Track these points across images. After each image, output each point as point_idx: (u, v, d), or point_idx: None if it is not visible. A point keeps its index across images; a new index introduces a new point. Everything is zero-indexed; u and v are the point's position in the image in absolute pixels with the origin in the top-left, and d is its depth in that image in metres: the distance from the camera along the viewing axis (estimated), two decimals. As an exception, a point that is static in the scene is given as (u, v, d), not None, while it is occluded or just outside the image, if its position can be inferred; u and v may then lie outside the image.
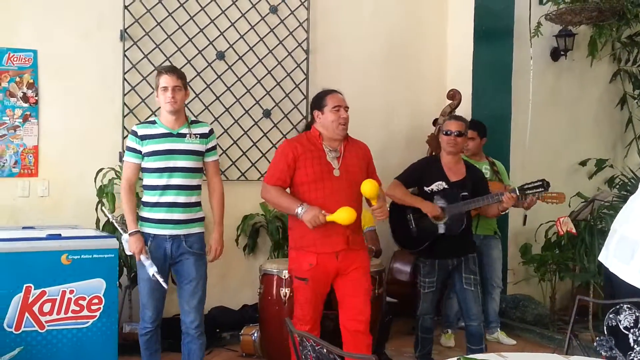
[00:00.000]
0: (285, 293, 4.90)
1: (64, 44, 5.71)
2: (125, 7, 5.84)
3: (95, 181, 5.54)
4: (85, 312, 4.44)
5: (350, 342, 4.25)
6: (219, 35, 6.22)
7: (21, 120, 5.57)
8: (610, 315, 3.12)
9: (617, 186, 7.55)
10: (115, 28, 5.84)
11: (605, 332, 3.14)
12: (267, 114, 6.43)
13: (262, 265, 5.14)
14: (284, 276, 4.93)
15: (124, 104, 5.87)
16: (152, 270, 4.16)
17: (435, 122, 6.65)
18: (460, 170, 5.00)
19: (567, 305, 6.92)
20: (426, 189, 4.95)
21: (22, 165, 5.57)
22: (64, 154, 5.70)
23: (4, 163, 5.51)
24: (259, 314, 5.20)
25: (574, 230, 5.43)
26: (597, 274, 6.30)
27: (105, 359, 4.50)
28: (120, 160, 5.78)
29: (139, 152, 4.26)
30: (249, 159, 6.34)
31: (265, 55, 6.41)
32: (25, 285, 4.30)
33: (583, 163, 7.56)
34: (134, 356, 5.16)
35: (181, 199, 4.26)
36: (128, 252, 4.30)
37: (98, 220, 5.56)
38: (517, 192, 4.81)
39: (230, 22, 6.25)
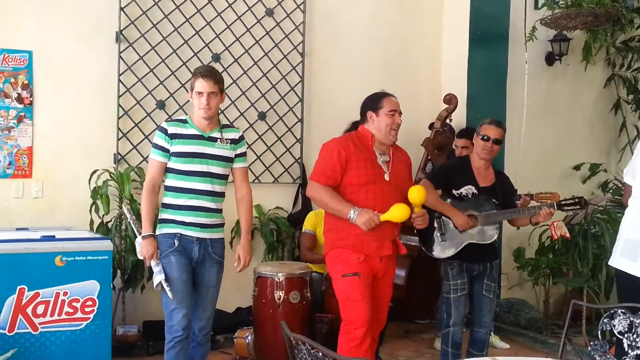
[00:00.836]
0: (280, 296, 4.91)
1: (60, 45, 5.70)
2: (121, 9, 5.84)
3: (89, 183, 5.53)
4: (78, 314, 4.43)
5: None
6: (215, 37, 6.21)
7: (15, 121, 5.55)
8: (605, 320, 3.13)
9: (611, 191, 7.56)
10: (110, 30, 5.83)
11: (599, 337, 3.14)
12: (262, 116, 6.43)
13: (256, 268, 5.13)
14: (278, 279, 4.93)
15: (119, 105, 5.86)
16: (159, 277, 3.94)
17: (431, 126, 6.66)
18: (490, 176, 4.76)
19: (561, 310, 6.92)
20: (455, 192, 4.68)
21: (16, 166, 5.56)
22: (58, 155, 5.69)
23: (-2, 164, 5.50)
24: (252, 316, 5.19)
25: (567, 235, 5.40)
26: (590, 279, 6.31)
27: (98, 361, 4.50)
28: (115, 161, 5.78)
29: (167, 150, 4.02)
30: (243, 161, 6.33)
31: (260, 58, 6.41)
32: (18, 287, 4.29)
33: (577, 167, 7.57)
34: (127, 358, 5.17)
35: (208, 204, 4.06)
36: (140, 256, 4.09)
37: (92, 222, 5.54)
38: (556, 207, 4.67)
39: (226, 24, 6.25)
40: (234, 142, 4.17)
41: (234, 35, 6.29)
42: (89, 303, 4.45)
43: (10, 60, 5.53)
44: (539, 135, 7.27)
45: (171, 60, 6.02)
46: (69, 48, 5.73)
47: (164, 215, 4.09)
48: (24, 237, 4.61)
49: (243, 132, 6.19)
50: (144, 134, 5.93)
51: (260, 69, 6.41)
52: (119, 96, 5.86)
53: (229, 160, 4.15)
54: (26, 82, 5.58)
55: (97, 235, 5.14)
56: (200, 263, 4.09)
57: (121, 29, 5.86)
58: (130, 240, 5.48)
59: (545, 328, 6.50)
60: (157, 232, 4.08)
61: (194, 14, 6.12)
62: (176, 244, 4.01)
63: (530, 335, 6.33)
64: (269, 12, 6.43)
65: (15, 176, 5.56)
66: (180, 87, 6.06)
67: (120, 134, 5.85)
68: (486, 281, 4.73)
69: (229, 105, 6.27)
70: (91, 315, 4.46)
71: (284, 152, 6.53)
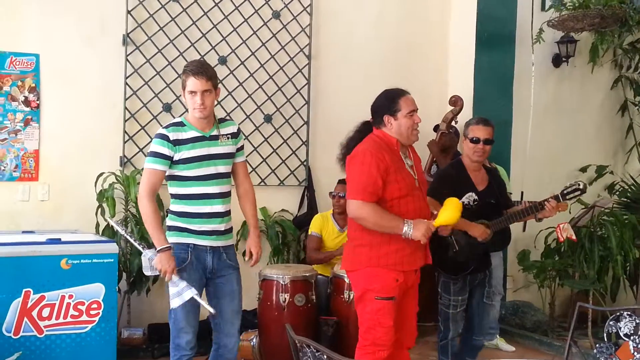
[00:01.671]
0: (285, 299, 4.91)
1: (66, 48, 5.71)
2: (128, 12, 5.85)
3: (95, 186, 5.54)
4: (84, 317, 4.44)
5: (400, 357, 4.00)
6: (222, 40, 6.22)
7: (22, 124, 5.57)
8: (611, 322, 3.12)
9: (617, 193, 7.55)
10: (117, 33, 5.85)
11: (605, 339, 3.14)
12: (268, 119, 6.43)
13: (262, 270, 5.14)
14: (284, 282, 4.93)
15: (126, 108, 5.87)
16: (190, 292, 3.70)
17: (436, 128, 6.64)
18: (484, 176, 4.66)
19: (567, 312, 6.90)
20: None
21: (23, 169, 5.57)
22: (64, 158, 5.70)
23: (5, 167, 5.51)
24: (258, 319, 5.20)
25: (574, 237, 5.40)
26: (596, 281, 6.30)
27: (103, 365, 4.50)
28: (121, 164, 5.79)
29: (169, 158, 3.79)
30: (249, 163, 6.29)
31: (267, 60, 6.41)
32: (24, 290, 4.30)
33: (583, 169, 7.55)
34: (133, 361, 5.17)
35: (220, 207, 3.90)
36: (149, 272, 3.79)
37: (98, 225, 5.55)
38: (561, 198, 4.54)
39: (233, 27, 6.26)
40: (234, 136, 3.99)
41: (241, 37, 6.30)
42: (95, 306, 4.46)
43: (17, 63, 5.55)
44: (545, 137, 7.25)
45: (178, 63, 6.03)
46: (76, 51, 5.74)
47: (174, 222, 3.90)
48: (30, 240, 4.62)
49: (249, 134, 6.29)
50: (150, 137, 5.92)
51: (266, 71, 6.42)
52: (126, 99, 5.87)
53: (231, 156, 3.99)
54: (33, 85, 5.60)
55: (103, 238, 5.15)
56: (216, 273, 3.91)
57: (128, 31, 5.87)
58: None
59: (551, 330, 6.48)
60: (170, 240, 3.84)
61: (200, 17, 6.13)
62: (189, 257, 3.82)
63: (536, 337, 6.32)
64: (276, 15, 6.43)
65: (22, 179, 5.58)
66: (186, 90, 6.07)
67: (127, 137, 5.86)
68: (487, 288, 4.69)
69: (235, 108, 6.28)
70: (96, 318, 4.47)
71: (290, 155, 6.53)
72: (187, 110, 4.00)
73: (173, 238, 3.87)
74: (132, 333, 5.53)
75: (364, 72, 6.81)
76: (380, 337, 3.78)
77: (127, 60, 5.88)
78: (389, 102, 3.95)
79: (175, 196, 3.91)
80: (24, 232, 5.13)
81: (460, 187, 4.50)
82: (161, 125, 5.83)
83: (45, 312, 4.34)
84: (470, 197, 4.51)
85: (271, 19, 6.42)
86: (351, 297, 4.86)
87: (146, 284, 5.65)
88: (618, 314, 3.12)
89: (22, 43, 5.59)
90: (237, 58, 6.30)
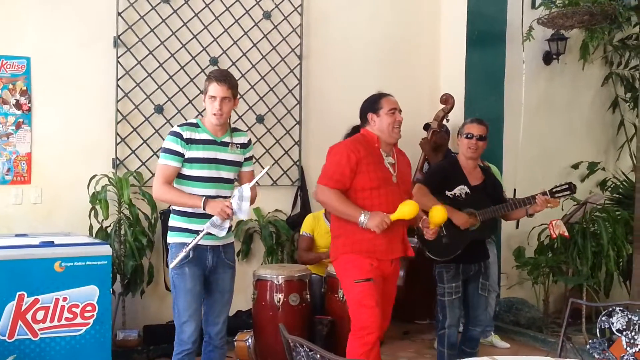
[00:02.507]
0: (279, 298, 4.92)
1: (57, 51, 5.70)
2: (119, 14, 5.85)
3: (88, 188, 5.54)
4: (78, 320, 4.44)
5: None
6: (212, 41, 6.22)
7: (14, 128, 5.56)
8: (603, 318, 3.14)
9: (609, 189, 7.57)
10: (108, 35, 5.84)
11: (598, 335, 3.15)
12: (260, 119, 6.43)
13: (256, 270, 5.15)
14: (278, 282, 4.94)
15: (117, 110, 5.87)
16: (228, 222, 3.87)
17: (427, 127, 6.66)
18: (478, 174, 4.84)
19: (561, 308, 6.93)
20: (448, 193, 4.70)
21: (15, 172, 5.56)
22: (57, 161, 5.69)
23: (-3, 170, 5.51)
24: (252, 319, 5.20)
25: (566, 233, 5.42)
26: (590, 277, 6.32)
27: (98, 367, 4.50)
28: (114, 166, 5.79)
29: (182, 155, 3.92)
30: (242, 164, 6.34)
31: (258, 61, 6.41)
32: (18, 293, 4.30)
33: (575, 166, 7.58)
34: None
35: None
36: (222, 231, 3.87)
37: (91, 227, 5.55)
38: (549, 194, 4.70)
39: (224, 27, 6.26)
40: (244, 146, 4.12)
41: (232, 38, 6.30)
42: (89, 308, 4.46)
43: (8, 66, 5.54)
44: (537, 135, 7.27)
45: (169, 65, 6.03)
46: (67, 54, 5.73)
47: (176, 223, 4.01)
48: (23, 243, 4.61)
49: (241, 135, 6.29)
50: (142, 139, 5.94)
51: (258, 72, 6.42)
52: (117, 101, 5.87)
53: (238, 164, 4.10)
54: (24, 88, 5.59)
55: (96, 241, 5.15)
56: (214, 270, 4.04)
57: (119, 34, 5.87)
58: (130, 245, 5.49)
59: (545, 327, 6.51)
60: (170, 240, 4.02)
61: (191, 18, 6.13)
62: (191, 254, 3.90)
63: (530, 334, 6.34)
64: (267, 15, 6.44)
65: (14, 182, 5.57)
66: (178, 92, 6.07)
67: (119, 139, 5.86)
68: (482, 280, 4.78)
69: (227, 109, 6.28)
70: (91, 321, 4.47)
71: (283, 155, 6.53)
72: (200, 113, 4.07)
73: (174, 238, 3.99)
74: (127, 335, 5.52)
75: (355, 71, 6.82)
76: (365, 319, 3.95)
77: (118, 62, 5.87)
78: (372, 102, 4.22)
79: None
80: (17, 235, 5.12)
81: (452, 180, 4.71)
82: (153, 127, 5.91)
83: (40, 315, 4.34)
84: (462, 189, 4.70)
85: (262, 19, 6.42)
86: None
87: (140, 286, 5.65)
88: (610, 309, 3.14)
89: (13, 46, 5.57)
90: (228, 59, 6.30)
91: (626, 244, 6.43)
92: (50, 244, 4.54)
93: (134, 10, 5.91)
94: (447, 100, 6.58)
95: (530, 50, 7.06)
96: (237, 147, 4.07)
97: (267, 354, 5.02)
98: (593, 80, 7.82)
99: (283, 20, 6.50)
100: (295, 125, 6.56)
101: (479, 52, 6.97)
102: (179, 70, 6.08)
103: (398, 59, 7.12)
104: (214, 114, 3.94)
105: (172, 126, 4.25)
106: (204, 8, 6.17)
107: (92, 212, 5.53)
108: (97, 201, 5.48)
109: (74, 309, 4.42)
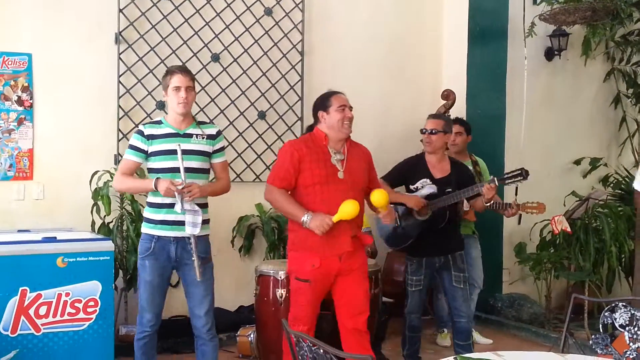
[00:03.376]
0: (282, 294, 4.90)
1: (59, 47, 5.71)
2: (120, 11, 5.84)
3: (90, 184, 5.55)
4: (81, 315, 4.44)
5: (351, 340, 4.25)
6: (214, 37, 6.22)
7: (16, 124, 5.57)
8: (606, 314, 3.14)
9: (611, 185, 7.57)
10: (110, 31, 5.84)
11: (601, 330, 3.15)
12: (262, 115, 6.43)
13: (258, 266, 5.14)
14: (280, 277, 4.93)
15: (119, 106, 5.87)
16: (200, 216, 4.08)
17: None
18: (445, 167, 5.02)
19: (563, 304, 6.92)
20: (411, 187, 5.00)
21: (17, 168, 5.57)
22: (59, 157, 5.69)
23: (-1, 166, 5.52)
24: (255, 315, 5.20)
25: (568, 229, 5.43)
26: (592, 273, 6.32)
27: (101, 362, 4.51)
28: (116, 162, 5.79)
29: (143, 151, 4.16)
30: (244, 160, 6.35)
31: (260, 57, 6.41)
32: (20, 289, 4.30)
33: (577, 162, 7.58)
34: (130, 358, 5.17)
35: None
36: (178, 209, 4.02)
37: (93, 223, 5.56)
38: (496, 181, 4.78)
39: (225, 24, 6.26)
40: (211, 137, 4.26)
41: (233, 35, 6.30)
42: (91, 303, 4.46)
43: (9, 63, 5.54)
44: (539, 131, 7.27)
45: (171, 61, 6.02)
46: (69, 50, 5.74)
47: (146, 213, 4.24)
48: (26, 238, 4.62)
49: (243, 131, 6.29)
50: (144, 135, 5.94)
51: (259, 68, 6.42)
52: (119, 97, 5.87)
53: (206, 154, 4.23)
54: (26, 84, 5.59)
55: (99, 236, 5.15)
56: (180, 262, 4.18)
57: (120, 30, 5.87)
58: (132, 240, 5.50)
59: (548, 322, 6.51)
60: (141, 230, 4.25)
61: (192, 15, 6.13)
62: (152, 247, 4.13)
63: (532, 329, 6.35)
64: (268, 12, 6.43)
65: (17, 178, 5.57)
66: (179, 87, 6.06)
67: (121, 135, 5.86)
68: (454, 272, 4.97)
69: (229, 105, 6.28)
70: (93, 316, 4.47)
71: (285, 151, 6.52)
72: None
73: (145, 229, 4.22)
74: (130, 330, 5.52)
75: (356, 67, 6.81)
76: (297, 312, 4.27)
77: (119, 58, 5.87)
78: (322, 100, 4.37)
79: None
80: (19, 231, 5.12)
81: (413, 173, 5.03)
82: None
83: (42, 310, 4.34)
84: (424, 182, 4.97)
85: (263, 15, 6.42)
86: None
87: (142, 282, 5.66)
88: (613, 305, 3.14)
89: (15, 42, 5.58)
90: (230, 55, 6.30)
91: (628, 239, 6.44)
92: (53, 240, 4.54)
93: (136, 6, 5.91)
94: (448, 96, 6.58)
95: (532, 46, 7.05)
96: (203, 138, 4.21)
97: (269, 349, 5.02)
98: (595, 76, 7.81)
99: (284, 16, 6.50)
100: (297, 121, 6.56)
101: (480, 48, 6.97)
102: (181, 66, 6.08)
103: (400, 55, 7.12)
104: (180, 103, 4.11)
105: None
106: (206, 4, 6.17)
107: (94, 207, 5.54)
108: (99, 197, 5.49)
109: (76, 304, 4.42)
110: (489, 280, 6.21)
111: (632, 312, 3.07)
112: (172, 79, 4.13)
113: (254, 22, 6.38)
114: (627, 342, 3.08)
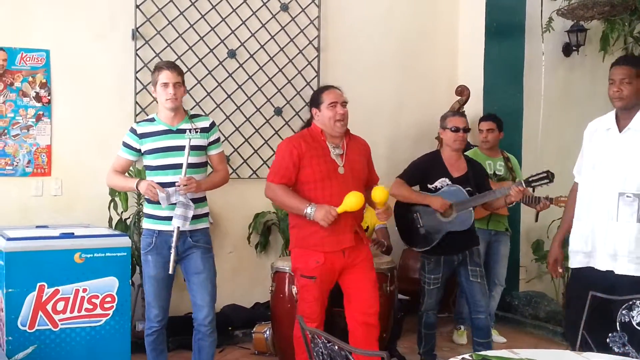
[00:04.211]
0: (297, 291, 4.91)
1: (76, 43, 5.74)
2: (137, 7, 5.87)
3: (107, 180, 5.57)
4: (98, 311, 4.46)
5: (360, 334, 4.24)
6: (230, 33, 6.23)
7: (34, 120, 5.60)
8: (623, 312, 3.11)
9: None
10: (126, 27, 5.87)
11: (618, 328, 3.13)
12: (278, 111, 6.44)
13: (274, 263, 5.14)
14: (295, 274, 4.94)
15: (136, 102, 5.90)
16: (171, 199, 4.11)
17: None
18: (462, 165, 4.98)
19: (580, 302, 6.88)
20: (430, 186, 4.93)
21: (35, 164, 5.61)
22: (76, 153, 5.73)
23: (18, 162, 5.55)
24: (270, 311, 5.21)
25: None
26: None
27: (118, 358, 4.52)
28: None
29: (135, 149, 4.26)
30: (260, 156, 6.36)
31: (276, 53, 6.41)
32: (38, 284, 4.32)
33: (595, 159, 7.50)
34: (146, 354, 5.19)
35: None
36: (164, 202, 4.11)
37: (111, 219, 5.59)
38: (524, 184, 4.76)
39: (241, 20, 6.26)
40: (205, 130, 4.30)
41: (249, 31, 6.31)
42: (108, 299, 4.48)
43: (28, 59, 5.58)
44: (556, 127, 7.21)
45: (187, 57, 6.05)
46: (86, 46, 5.77)
47: (147, 209, 4.31)
48: (44, 234, 4.63)
49: (259, 127, 6.30)
50: (160, 131, 5.96)
51: (276, 64, 6.42)
52: (136, 93, 5.90)
53: (201, 149, 4.27)
54: (44, 81, 5.63)
55: (116, 232, 5.18)
56: (182, 254, 4.24)
57: (137, 26, 5.89)
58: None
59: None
60: (143, 226, 4.36)
61: (209, 10, 6.14)
62: (153, 242, 4.21)
63: (549, 327, 6.31)
64: (284, 7, 6.43)
65: (35, 174, 5.62)
66: (196, 84, 6.09)
67: (138, 131, 5.88)
68: (470, 267, 4.95)
69: (245, 101, 6.29)
70: (110, 312, 4.49)
71: (301, 147, 6.52)
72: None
73: (145, 224, 4.32)
74: (146, 326, 5.55)
75: (373, 63, 6.80)
76: (304, 309, 4.24)
77: (136, 54, 5.90)
78: (315, 96, 4.36)
79: None
80: (37, 227, 5.15)
81: (433, 172, 4.94)
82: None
83: (60, 306, 4.37)
84: (443, 182, 4.91)
85: (279, 11, 6.42)
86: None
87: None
88: (631, 302, 3.11)
89: (32, 39, 5.62)
90: (246, 51, 6.31)
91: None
92: (70, 236, 4.56)
93: (152, 2, 5.93)
94: (463, 92, 6.56)
95: (550, 41, 6.99)
96: (196, 132, 4.24)
97: (285, 346, 5.02)
98: (613, 72, 7.73)
99: (301, 12, 6.49)
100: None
101: (497, 43, 6.93)
102: (197, 62, 6.09)
103: (416, 51, 7.10)
104: (168, 99, 4.16)
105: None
106: (222, 0, 6.18)
107: (112, 204, 5.57)
108: (117, 193, 5.52)
109: (93, 300, 4.44)
110: (506, 278, 6.17)
111: (650, 310, 3.05)
112: (160, 76, 4.18)
113: (270, 18, 6.38)
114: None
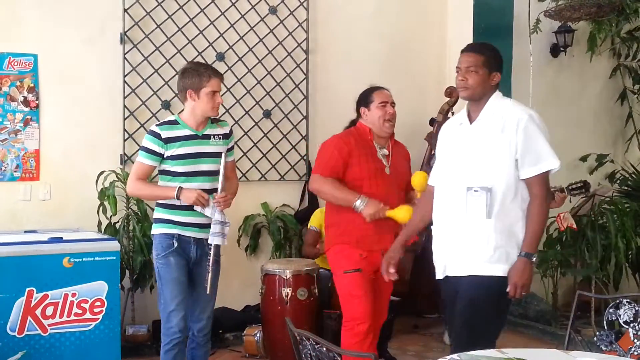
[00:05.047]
0: (287, 293, 4.93)
1: (64, 47, 5.72)
2: (125, 10, 5.86)
3: (96, 184, 5.56)
4: (87, 315, 4.46)
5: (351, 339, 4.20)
6: (219, 36, 6.23)
7: (22, 125, 5.59)
8: (610, 310, 3.14)
9: (618, 181, 7.54)
10: (115, 31, 5.86)
11: (605, 327, 3.15)
12: (267, 114, 6.44)
13: (264, 265, 5.16)
14: (286, 276, 4.95)
15: (125, 106, 5.89)
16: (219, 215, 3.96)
17: (432, 122, 6.65)
18: None
19: (570, 302, 6.89)
20: None
21: (24, 169, 5.59)
22: (65, 158, 5.72)
23: (6, 167, 5.53)
24: (261, 314, 5.22)
25: (574, 225, 5.41)
26: (599, 269, 6.30)
27: (108, 362, 4.53)
28: (122, 162, 5.81)
29: (159, 155, 4.00)
30: (249, 159, 6.35)
31: (265, 56, 6.42)
32: (27, 289, 4.32)
33: (584, 158, 7.54)
34: (137, 358, 5.19)
35: None
36: (209, 213, 3.94)
37: (100, 223, 5.58)
38: (567, 192, 4.82)
39: (230, 23, 6.27)
40: (226, 137, 4.19)
41: (238, 34, 6.31)
42: (98, 304, 4.48)
43: (15, 63, 5.57)
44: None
45: (176, 61, 6.04)
46: (74, 50, 5.75)
47: (160, 215, 4.09)
48: (32, 239, 4.64)
49: (248, 130, 6.30)
50: (149, 135, 5.95)
51: (264, 66, 6.42)
52: (125, 97, 5.89)
53: (220, 155, 4.10)
54: (32, 85, 5.62)
55: (105, 236, 5.17)
56: (197, 263, 4.09)
57: (125, 30, 5.88)
58: (138, 240, 5.51)
59: (554, 320, 6.49)
60: (154, 232, 4.10)
61: (197, 14, 6.14)
62: (175, 244, 4.01)
63: (539, 327, 6.33)
64: (272, 10, 6.44)
65: (23, 179, 5.60)
66: (185, 87, 6.08)
67: (127, 135, 5.88)
68: None
69: (234, 104, 6.29)
70: (100, 316, 4.49)
71: (290, 150, 6.54)
72: (182, 110, 4.19)
73: (159, 229, 4.07)
74: (137, 330, 5.55)
75: (362, 65, 6.81)
76: (354, 309, 4.08)
77: (125, 58, 5.89)
78: (364, 95, 4.37)
79: None
80: (26, 231, 5.15)
81: None
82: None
83: (49, 311, 4.37)
84: None
85: (268, 14, 6.42)
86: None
87: (149, 281, 5.67)
88: (618, 301, 3.13)
89: (20, 43, 5.60)
90: (234, 54, 6.31)
91: (635, 236, 6.41)
92: (59, 240, 4.56)
93: (140, 6, 5.92)
94: (452, 93, 6.57)
95: (538, 42, 7.02)
96: (220, 138, 4.14)
97: (275, 349, 5.04)
98: (601, 72, 7.78)
99: (289, 15, 6.50)
100: (302, 119, 6.56)
101: (485, 45, 6.94)
102: (186, 66, 6.09)
103: (405, 52, 7.11)
104: (215, 107, 4.05)
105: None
106: (210, 4, 6.18)
107: (101, 208, 5.55)
108: (106, 197, 5.51)
109: (83, 305, 4.44)
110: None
111: (637, 308, 3.07)
112: (210, 82, 4.01)
113: (259, 21, 6.39)
114: (632, 338, 3.07)
